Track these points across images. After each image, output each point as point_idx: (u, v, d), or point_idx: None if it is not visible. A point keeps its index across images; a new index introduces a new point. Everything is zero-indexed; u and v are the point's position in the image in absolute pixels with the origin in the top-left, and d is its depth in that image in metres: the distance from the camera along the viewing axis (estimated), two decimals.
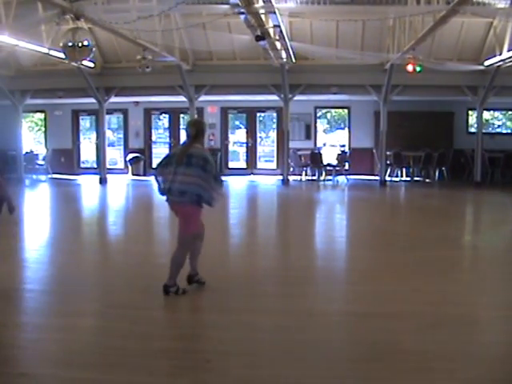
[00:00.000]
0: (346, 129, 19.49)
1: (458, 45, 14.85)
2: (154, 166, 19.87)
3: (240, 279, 5.82)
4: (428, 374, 3.84)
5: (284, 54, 13.99)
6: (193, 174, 5.32)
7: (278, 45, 12.66)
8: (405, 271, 6.62)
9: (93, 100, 16.87)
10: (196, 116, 16.76)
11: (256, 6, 9.69)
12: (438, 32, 11.11)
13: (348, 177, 17.63)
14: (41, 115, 20.53)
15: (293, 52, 14.14)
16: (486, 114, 18.13)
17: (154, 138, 20.34)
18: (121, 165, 20.09)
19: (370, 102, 17.41)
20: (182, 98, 16.65)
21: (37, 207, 13.04)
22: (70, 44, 8.81)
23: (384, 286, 5.90)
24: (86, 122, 20.87)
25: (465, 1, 8.79)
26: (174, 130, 20.03)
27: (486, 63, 14.42)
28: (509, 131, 19.26)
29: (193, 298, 5.60)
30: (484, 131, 16.77)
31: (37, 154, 19.03)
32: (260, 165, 19.86)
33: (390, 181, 17.15)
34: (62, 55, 10.08)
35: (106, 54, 16.39)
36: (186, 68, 15.81)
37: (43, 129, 20.49)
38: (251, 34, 11.33)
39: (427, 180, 17.41)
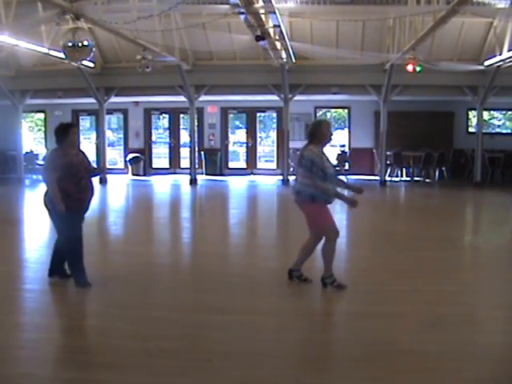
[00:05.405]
0: (346, 129, 19.50)
1: (458, 45, 14.85)
2: (154, 166, 20.01)
3: (240, 279, 5.81)
4: (428, 374, 3.84)
5: (284, 54, 13.98)
6: (304, 174, 5.64)
7: (278, 45, 12.66)
8: (405, 271, 6.63)
9: (93, 100, 16.88)
10: (196, 115, 16.76)
11: (256, 6, 9.69)
12: (438, 32, 11.09)
13: (348, 177, 17.60)
14: (41, 115, 20.55)
15: (293, 52, 14.13)
16: (486, 114, 18.13)
17: (153, 138, 20.36)
18: (121, 165, 20.10)
19: (370, 102, 17.40)
20: (182, 98, 16.66)
21: (37, 207, 13.01)
22: (70, 44, 8.80)
23: (384, 286, 5.90)
24: (86, 122, 20.88)
25: (465, 1, 8.79)
26: (174, 130, 20.04)
27: (486, 63, 14.42)
28: (509, 131, 19.27)
29: (192, 298, 5.60)
30: (484, 131, 16.77)
31: (37, 154, 19.02)
32: (260, 165, 19.86)
33: (390, 181, 17.14)
34: (62, 55, 10.07)
35: (106, 54, 16.40)
36: (186, 68, 15.80)
37: (43, 129, 20.49)
38: (251, 34, 11.33)
39: (427, 180, 17.40)
